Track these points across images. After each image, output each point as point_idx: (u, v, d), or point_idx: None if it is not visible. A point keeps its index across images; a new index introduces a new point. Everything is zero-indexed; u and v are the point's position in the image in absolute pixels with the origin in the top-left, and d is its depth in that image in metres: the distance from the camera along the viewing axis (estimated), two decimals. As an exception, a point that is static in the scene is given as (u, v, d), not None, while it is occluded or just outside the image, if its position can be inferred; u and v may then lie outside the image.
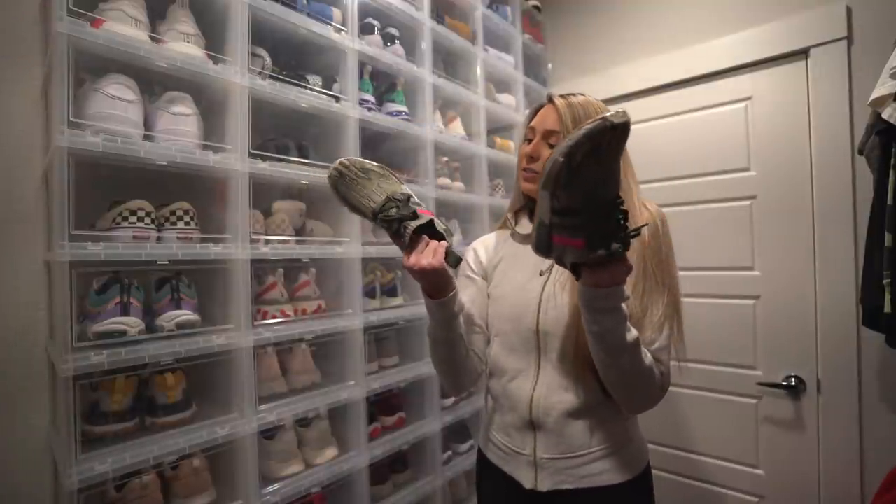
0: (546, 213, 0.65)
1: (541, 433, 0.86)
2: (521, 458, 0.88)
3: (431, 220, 0.77)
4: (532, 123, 0.92)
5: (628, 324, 0.72)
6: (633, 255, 0.79)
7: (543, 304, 0.87)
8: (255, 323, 1.08)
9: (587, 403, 0.84)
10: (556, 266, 0.86)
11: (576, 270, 0.67)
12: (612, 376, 0.77)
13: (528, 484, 0.86)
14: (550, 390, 0.85)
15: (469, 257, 1.03)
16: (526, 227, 0.95)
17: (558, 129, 0.87)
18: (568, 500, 0.84)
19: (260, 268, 1.15)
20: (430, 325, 0.88)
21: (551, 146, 0.87)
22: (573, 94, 0.90)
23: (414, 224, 0.76)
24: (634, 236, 0.62)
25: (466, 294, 0.97)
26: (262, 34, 1.17)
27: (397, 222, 0.77)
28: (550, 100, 0.91)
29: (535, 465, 0.86)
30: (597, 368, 0.78)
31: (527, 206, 0.98)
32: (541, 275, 0.90)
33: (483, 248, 1.03)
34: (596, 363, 0.77)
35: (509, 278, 0.94)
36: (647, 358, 0.76)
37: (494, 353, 0.94)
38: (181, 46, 0.99)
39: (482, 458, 0.99)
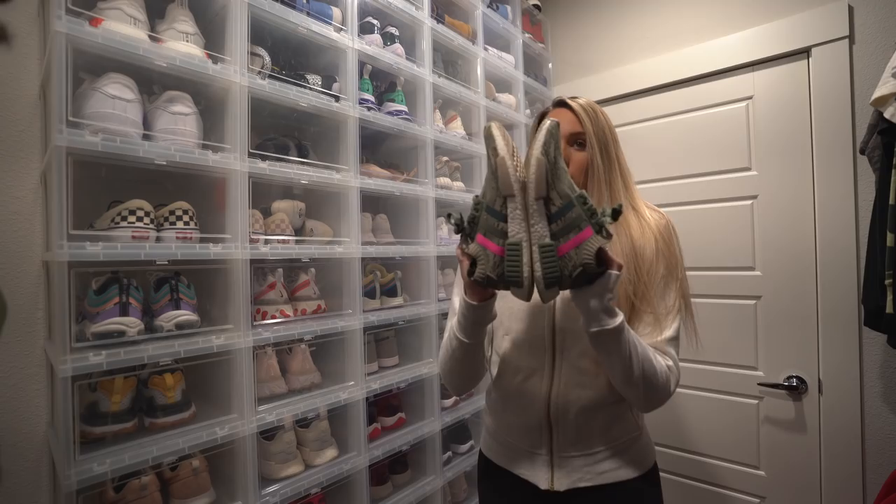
0: (544, 228, 0.67)
1: (557, 431, 0.85)
2: (536, 459, 0.87)
3: (476, 260, 0.72)
4: None
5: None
6: (646, 246, 0.83)
7: (558, 303, 0.87)
8: (255, 323, 1.08)
9: (604, 400, 0.84)
10: None
11: (598, 262, 0.66)
12: (621, 373, 0.76)
13: (544, 485, 0.85)
14: (568, 388, 0.85)
15: None
16: None
17: (581, 129, 0.88)
18: (585, 498, 0.84)
19: (259, 268, 1.14)
20: (455, 323, 0.84)
21: (580, 145, 0.89)
22: (574, 97, 0.92)
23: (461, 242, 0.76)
24: (618, 212, 0.66)
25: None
26: (261, 33, 1.17)
27: (458, 220, 0.76)
28: (563, 104, 0.92)
29: (552, 465, 0.85)
30: (606, 370, 0.79)
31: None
32: None
33: None
34: (605, 363, 0.77)
35: None
36: (651, 351, 0.78)
37: (505, 351, 0.92)
38: (180, 46, 0.99)
39: (485, 462, 0.98)
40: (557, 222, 0.67)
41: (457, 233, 0.76)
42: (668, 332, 0.82)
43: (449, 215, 0.77)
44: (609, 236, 0.66)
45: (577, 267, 0.65)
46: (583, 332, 0.84)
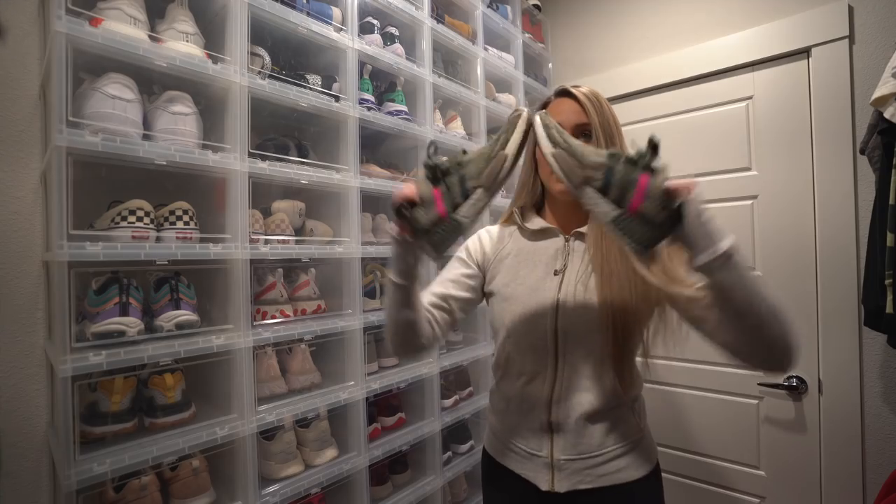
0: (604, 205, 0.63)
1: (559, 435, 0.85)
2: (537, 461, 0.86)
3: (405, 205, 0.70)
4: None
5: None
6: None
7: (562, 305, 0.84)
8: (255, 323, 1.08)
9: (607, 404, 0.83)
10: (572, 266, 0.86)
11: (671, 198, 0.61)
12: (747, 311, 0.65)
13: (544, 486, 0.85)
14: (570, 392, 0.84)
15: (471, 243, 0.99)
16: (535, 222, 0.93)
17: (587, 120, 0.84)
18: (585, 500, 0.83)
19: (259, 268, 1.14)
20: (390, 271, 0.80)
21: (585, 136, 0.85)
22: (577, 86, 0.88)
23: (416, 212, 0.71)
24: (653, 143, 0.62)
25: (452, 272, 0.96)
26: (261, 33, 1.17)
27: (433, 165, 0.72)
28: (566, 93, 0.88)
29: (553, 467, 0.85)
30: (731, 335, 0.68)
31: (538, 201, 0.96)
32: (555, 274, 0.87)
33: (488, 238, 1.00)
34: (728, 309, 0.66)
35: (521, 277, 0.90)
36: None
37: (507, 354, 0.90)
38: (180, 46, 0.99)
39: (489, 461, 0.97)
40: (611, 191, 0.62)
41: (426, 168, 0.72)
42: None
43: (435, 149, 0.73)
44: (664, 170, 0.61)
45: (660, 212, 0.60)
46: (585, 335, 0.82)
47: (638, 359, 0.88)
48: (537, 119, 0.67)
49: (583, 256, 0.87)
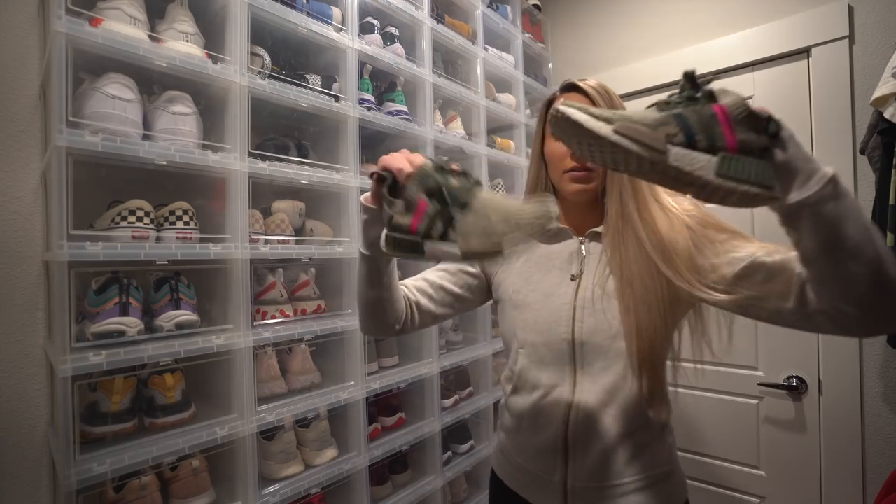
0: (700, 157, 0.52)
1: (574, 458, 0.76)
2: (548, 486, 0.78)
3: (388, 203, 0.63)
4: None
5: None
6: (678, 239, 0.71)
7: (578, 312, 0.78)
8: (255, 323, 1.08)
9: (631, 425, 0.75)
10: (589, 269, 0.80)
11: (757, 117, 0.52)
12: (861, 246, 0.50)
13: None
14: (590, 408, 0.75)
15: None
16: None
17: None
18: None
19: (259, 268, 1.14)
20: (361, 242, 0.74)
21: None
22: (584, 79, 0.82)
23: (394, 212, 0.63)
24: (689, 74, 0.55)
25: (451, 265, 0.92)
26: (261, 33, 1.17)
27: (436, 182, 0.62)
28: (573, 87, 0.82)
29: (566, 494, 0.77)
30: (842, 290, 0.53)
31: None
32: (572, 279, 0.81)
33: None
34: (836, 249, 0.51)
35: (534, 283, 0.84)
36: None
37: (521, 366, 0.83)
38: (180, 46, 0.99)
39: (497, 485, 0.89)
40: (698, 138, 0.53)
41: (433, 181, 0.62)
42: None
43: (460, 169, 0.64)
44: (727, 91, 0.55)
45: (759, 136, 0.52)
46: (606, 343, 0.74)
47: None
48: (577, 113, 0.53)
49: (599, 258, 0.80)
